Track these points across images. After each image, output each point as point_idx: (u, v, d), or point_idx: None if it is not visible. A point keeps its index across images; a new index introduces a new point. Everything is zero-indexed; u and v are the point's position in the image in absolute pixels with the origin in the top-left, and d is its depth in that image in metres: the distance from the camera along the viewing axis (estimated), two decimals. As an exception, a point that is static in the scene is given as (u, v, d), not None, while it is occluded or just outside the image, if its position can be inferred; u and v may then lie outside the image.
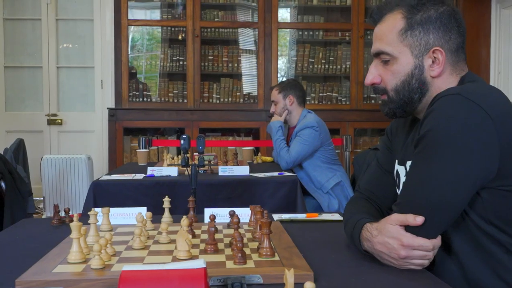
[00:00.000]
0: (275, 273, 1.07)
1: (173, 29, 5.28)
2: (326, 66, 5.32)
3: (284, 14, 5.52)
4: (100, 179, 2.72)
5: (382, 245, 1.14)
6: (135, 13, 5.38)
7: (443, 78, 1.23)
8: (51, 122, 5.48)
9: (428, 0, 1.23)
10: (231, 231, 1.45)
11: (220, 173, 2.85)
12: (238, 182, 2.74)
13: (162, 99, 5.19)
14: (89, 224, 1.34)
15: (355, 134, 5.17)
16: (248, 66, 5.42)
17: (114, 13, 5.09)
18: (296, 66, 5.34)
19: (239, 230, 1.31)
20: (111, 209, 1.53)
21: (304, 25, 5.31)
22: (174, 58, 5.23)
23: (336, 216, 1.76)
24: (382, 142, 1.47)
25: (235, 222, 1.28)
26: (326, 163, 3.16)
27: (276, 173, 2.88)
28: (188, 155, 2.28)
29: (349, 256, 1.26)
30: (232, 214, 1.53)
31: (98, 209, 1.40)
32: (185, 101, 5.14)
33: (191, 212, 1.68)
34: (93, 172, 4.88)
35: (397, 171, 1.34)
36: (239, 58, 5.34)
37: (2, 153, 3.18)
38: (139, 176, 2.80)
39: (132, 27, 5.19)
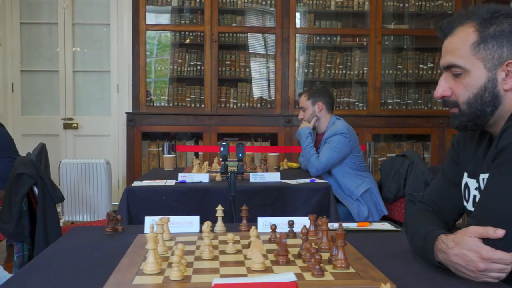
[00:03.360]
0: (358, 286, 1.07)
1: (191, 34, 5.27)
2: (343, 71, 5.32)
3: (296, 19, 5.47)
4: (133, 185, 2.72)
5: (459, 257, 1.13)
6: (151, 18, 5.36)
7: None
8: (67, 126, 5.48)
9: (501, 13, 1.23)
10: (292, 241, 1.45)
11: (251, 180, 2.83)
12: (270, 189, 2.72)
13: (179, 103, 5.18)
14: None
15: (372, 140, 5.15)
16: (264, 70, 5.42)
17: (132, 17, 5.08)
18: (313, 71, 5.32)
19: (299, 240, 1.31)
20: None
21: (321, 30, 5.31)
22: (191, 63, 5.23)
23: (387, 226, 1.75)
24: (449, 154, 1.46)
25: (304, 233, 1.28)
26: (355, 169, 3.15)
27: (307, 180, 2.86)
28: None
29: (421, 267, 1.25)
30: (291, 224, 1.53)
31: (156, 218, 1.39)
32: (203, 106, 5.14)
33: (244, 221, 1.67)
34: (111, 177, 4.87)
35: (466, 183, 1.34)
36: (256, 63, 5.33)
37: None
38: (171, 182, 2.80)
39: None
